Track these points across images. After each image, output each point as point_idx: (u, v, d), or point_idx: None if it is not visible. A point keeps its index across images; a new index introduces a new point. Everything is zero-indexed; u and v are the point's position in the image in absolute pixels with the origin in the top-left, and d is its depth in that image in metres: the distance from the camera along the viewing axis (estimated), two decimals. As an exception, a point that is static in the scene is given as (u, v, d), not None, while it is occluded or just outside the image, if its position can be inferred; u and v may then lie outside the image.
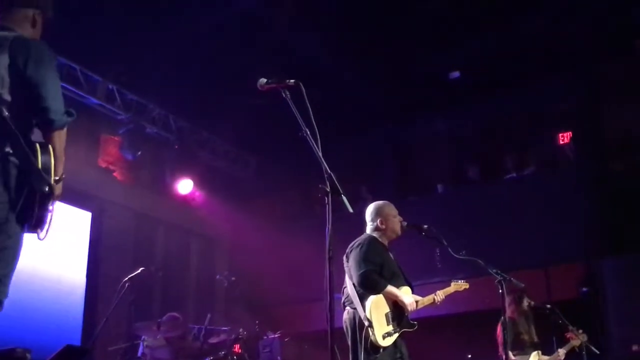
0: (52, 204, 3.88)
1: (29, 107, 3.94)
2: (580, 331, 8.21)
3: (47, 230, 3.87)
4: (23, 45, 4.04)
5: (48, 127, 3.98)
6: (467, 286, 6.44)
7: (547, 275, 11.56)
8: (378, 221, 6.20)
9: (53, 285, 10.67)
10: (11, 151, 3.75)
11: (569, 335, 8.38)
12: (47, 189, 3.79)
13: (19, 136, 3.78)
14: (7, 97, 3.85)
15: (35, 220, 3.80)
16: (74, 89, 10.88)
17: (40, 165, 3.81)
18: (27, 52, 4.01)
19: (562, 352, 8.37)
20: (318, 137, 4.12)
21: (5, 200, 3.72)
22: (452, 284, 6.43)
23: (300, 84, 4.22)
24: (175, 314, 9.57)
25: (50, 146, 3.96)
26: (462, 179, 13.56)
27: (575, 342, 8.32)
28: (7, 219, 3.71)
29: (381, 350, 5.58)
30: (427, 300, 6.10)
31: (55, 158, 3.97)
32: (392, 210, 6.27)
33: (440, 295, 6.17)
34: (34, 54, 4.06)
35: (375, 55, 11.89)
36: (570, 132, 12.65)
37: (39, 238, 3.86)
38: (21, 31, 4.20)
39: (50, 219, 3.89)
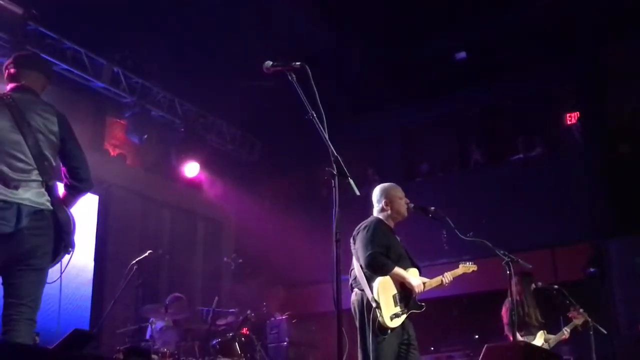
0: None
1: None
2: (582, 310, 8.21)
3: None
4: (65, 120, 4.76)
5: (82, 192, 4.82)
6: (475, 268, 6.44)
7: (554, 256, 11.59)
8: (383, 203, 6.18)
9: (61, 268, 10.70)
10: (55, 211, 4.54)
11: (571, 314, 8.40)
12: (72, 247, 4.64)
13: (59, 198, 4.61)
14: (53, 162, 4.65)
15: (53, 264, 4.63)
16: (79, 73, 10.86)
17: (72, 228, 4.66)
18: (68, 129, 4.77)
19: (566, 330, 8.39)
20: (324, 119, 4.11)
21: (50, 251, 4.54)
22: (461, 265, 6.42)
23: (306, 66, 4.21)
24: (178, 294, 9.61)
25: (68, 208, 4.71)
26: (469, 161, 13.55)
27: (578, 321, 8.33)
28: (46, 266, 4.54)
29: (389, 331, 5.59)
30: (434, 281, 6.11)
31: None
32: (398, 192, 6.25)
33: (448, 276, 6.17)
34: (71, 130, 4.79)
35: (382, 37, 11.85)
36: (578, 113, 12.61)
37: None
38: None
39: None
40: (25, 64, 4.87)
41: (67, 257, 4.71)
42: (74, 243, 4.70)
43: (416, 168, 13.94)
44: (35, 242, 4.43)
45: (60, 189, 4.80)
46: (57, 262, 4.65)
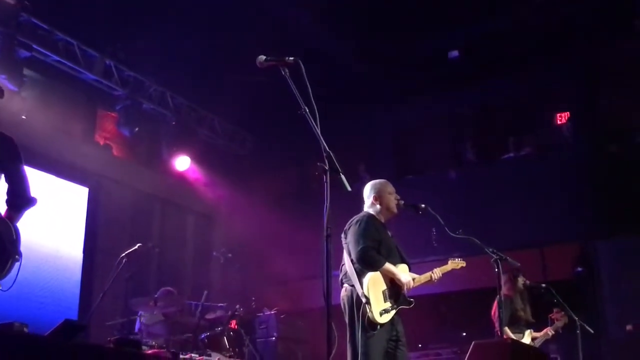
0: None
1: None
2: (563, 313, 8.27)
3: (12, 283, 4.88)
4: (4, 144, 5.07)
5: (22, 209, 5.11)
6: (464, 264, 6.47)
7: (543, 255, 11.63)
8: (372, 198, 6.22)
9: (50, 260, 10.68)
10: None
11: (553, 316, 8.48)
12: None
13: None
14: None
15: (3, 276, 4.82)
16: (71, 64, 10.84)
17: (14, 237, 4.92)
18: (7, 152, 5.06)
19: (550, 331, 8.47)
20: (317, 115, 4.12)
21: None
22: (450, 262, 6.45)
23: (300, 61, 4.21)
24: (169, 288, 9.58)
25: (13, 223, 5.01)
26: (460, 160, 13.58)
27: (560, 323, 8.43)
28: None
29: (378, 327, 5.62)
30: (424, 277, 6.13)
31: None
32: (388, 187, 6.28)
33: (437, 272, 6.20)
34: (11, 153, 5.11)
35: (376, 34, 11.86)
36: (568, 113, 12.67)
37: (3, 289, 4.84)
38: None
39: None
40: None
41: (17, 265, 4.90)
42: (20, 252, 4.94)
43: (407, 166, 13.95)
44: None
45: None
46: (7, 272, 4.84)
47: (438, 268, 6.26)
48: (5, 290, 4.85)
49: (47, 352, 2.75)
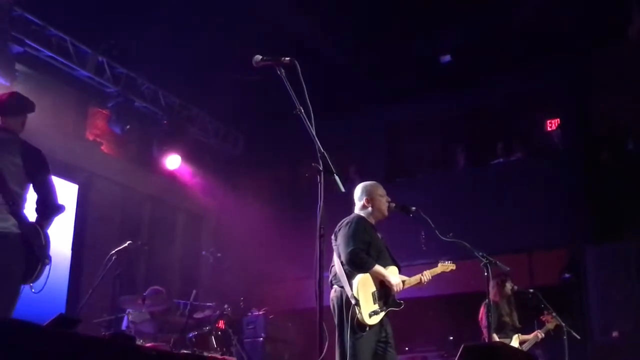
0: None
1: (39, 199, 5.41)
2: (554, 314, 8.31)
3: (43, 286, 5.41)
4: (32, 156, 5.40)
5: (52, 215, 5.47)
6: (454, 267, 6.49)
7: (530, 260, 11.68)
8: (364, 200, 6.23)
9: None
10: (23, 232, 5.12)
11: (544, 318, 8.51)
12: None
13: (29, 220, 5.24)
14: (19, 190, 5.23)
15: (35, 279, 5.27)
16: (63, 60, 10.81)
17: (44, 242, 5.28)
18: (35, 163, 5.40)
19: (540, 334, 8.51)
20: (312, 115, 4.13)
21: (19, 269, 5.09)
22: (439, 264, 6.47)
23: (296, 61, 4.22)
24: (158, 287, 9.57)
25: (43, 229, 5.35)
26: (450, 163, 13.62)
27: (550, 325, 8.46)
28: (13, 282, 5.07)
29: (367, 328, 5.63)
30: (413, 280, 6.15)
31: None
32: (379, 189, 6.30)
33: (427, 275, 6.21)
34: (39, 164, 5.45)
35: (368, 36, 11.88)
36: (558, 119, 12.72)
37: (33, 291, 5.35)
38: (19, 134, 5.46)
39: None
40: (10, 112, 5.48)
41: (47, 268, 5.34)
42: (50, 256, 5.37)
43: (398, 168, 13.97)
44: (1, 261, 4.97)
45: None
46: (37, 276, 5.28)
47: (428, 270, 6.28)
48: (37, 293, 5.32)
49: (46, 341, 2.76)
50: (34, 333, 2.77)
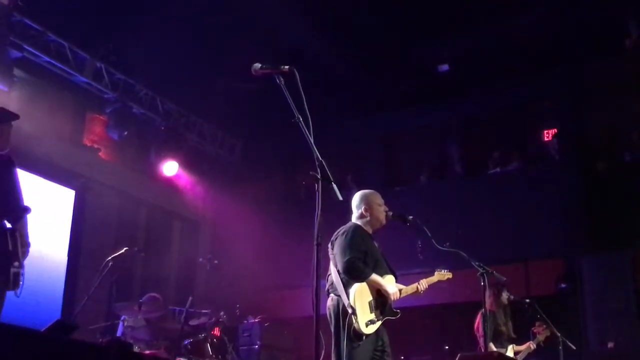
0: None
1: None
2: (545, 326, 8.32)
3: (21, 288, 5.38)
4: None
5: (16, 220, 5.44)
6: (451, 276, 6.48)
7: (527, 270, 11.68)
8: (362, 209, 6.21)
9: (34, 261, 10.54)
10: None
11: (535, 329, 8.52)
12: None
13: None
14: None
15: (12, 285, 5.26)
16: (61, 66, 10.84)
17: (11, 248, 5.23)
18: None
19: (533, 345, 8.52)
20: (310, 124, 4.14)
21: None
22: (436, 273, 6.45)
23: (295, 70, 4.23)
24: (155, 294, 9.55)
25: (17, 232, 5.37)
26: (447, 172, 13.64)
27: (541, 337, 8.47)
28: None
29: (364, 337, 5.61)
30: (410, 289, 6.14)
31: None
32: (377, 199, 6.29)
33: (423, 284, 6.20)
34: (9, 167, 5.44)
35: (366, 45, 11.91)
36: (555, 130, 12.75)
37: (16, 295, 5.37)
38: None
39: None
40: None
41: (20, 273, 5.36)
42: (21, 262, 5.42)
43: (395, 176, 13.98)
44: None
45: None
46: (15, 284, 5.35)
47: (424, 279, 6.27)
48: (18, 296, 5.37)
49: (44, 347, 2.76)
50: (33, 339, 2.78)
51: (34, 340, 2.80)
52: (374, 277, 5.81)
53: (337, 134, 13.32)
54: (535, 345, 8.53)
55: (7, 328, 3.22)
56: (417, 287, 6.16)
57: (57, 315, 10.73)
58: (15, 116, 5.81)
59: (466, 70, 12.42)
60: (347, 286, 5.73)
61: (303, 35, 11.65)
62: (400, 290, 5.99)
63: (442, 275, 6.46)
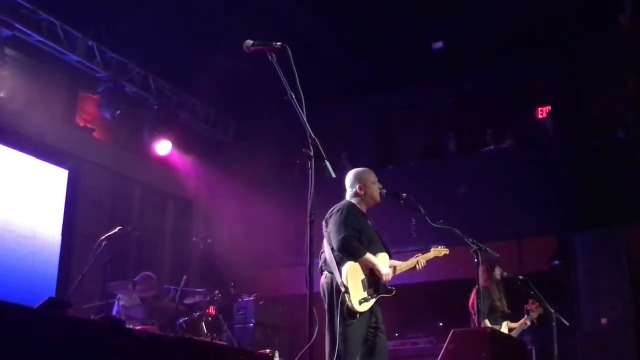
0: None
1: None
2: (538, 303, 8.35)
3: None
4: None
5: None
6: (448, 252, 6.49)
7: (520, 247, 11.71)
8: (357, 187, 6.19)
9: (28, 241, 10.62)
10: None
11: (528, 307, 8.56)
12: None
13: None
14: None
15: None
16: (53, 45, 10.74)
17: None
18: None
19: (527, 321, 8.57)
20: (303, 101, 4.12)
21: None
22: (432, 249, 6.45)
23: (287, 47, 4.20)
24: (149, 273, 9.57)
25: None
26: (441, 150, 13.63)
27: (535, 314, 8.52)
28: None
29: (357, 315, 5.63)
30: (406, 265, 6.15)
31: None
32: (371, 176, 6.28)
33: (422, 261, 6.21)
34: None
35: (359, 23, 11.86)
36: (549, 107, 12.75)
37: None
38: None
39: None
40: None
41: None
42: None
43: (388, 155, 13.98)
44: None
45: None
46: None
47: (422, 256, 6.28)
48: None
49: (36, 323, 2.76)
50: (24, 315, 2.77)
51: (26, 316, 2.79)
52: (368, 256, 5.81)
53: (331, 113, 13.27)
54: (530, 322, 8.58)
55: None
56: (415, 264, 6.16)
57: (51, 294, 10.75)
58: None
59: (460, 49, 12.38)
60: (340, 264, 5.73)
61: (295, 15, 11.57)
62: (395, 268, 6.01)
63: (438, 251, 6.47)
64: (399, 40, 12.42)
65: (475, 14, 11.62)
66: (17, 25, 10.11)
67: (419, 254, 6.30)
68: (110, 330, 3.05)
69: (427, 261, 6.32)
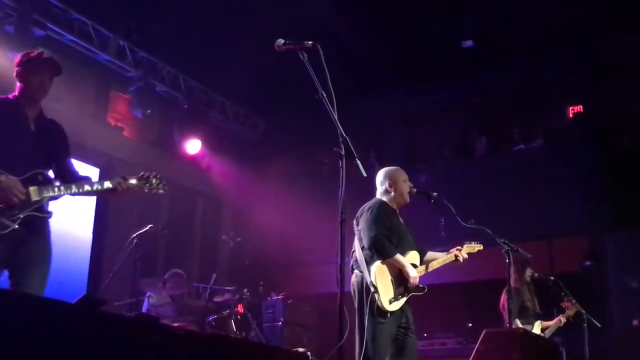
0: None
1: None
2: (574, 301, 8.28)
3: None
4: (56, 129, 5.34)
5: None
6: (482, 247, 6.43)
7: (551, 248, 11.62)
8: (387, 184, 6.18)
9: (59, 240, 10.62)
10: None
11: (564, 304, 8.49)
12: None
13: None
14: None
15: None
16: (84, 44, 10.85)
17: None
18: (59, 139, 5.30)
19: (562, 319, 8.49)
20: (334, 100, 4.12)
21: None
22: (465, 245, 6.41)
23: (318, 45, 4.20)
24: (179, 270, 9.63)
25: None
26: (470, 149, 13.55)
27: (570, 312, 8.44)
28: None
29: (388, 314, 5.62)
30: (443, 260, 6.13)
31: None
32: (402, 175, 6.26)
33: (463, 252, 6.18)
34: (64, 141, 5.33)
35: (389, 21, 11.82)
36: (579, 106, 12.62)
37: None
38: None
39: None
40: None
41: None
42: None
43: (417, 154, 13.94)
44: None
45: None
46: None
47: (459, 250, 6.24)
48: None
49: (72, 319, 2.79)
50: (63, 311, 2.80)
51: (63, 312, 2.82)
52: (398, 257, 5.78)
53: (359, 111, 13.24)
54: (565, 319, 8.50)
55: (36, 300, 3.25)
56: (455, 257, 6.14)
57: (82, 292, 10.84)
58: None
59: (489, 46, 12.31)
60: (369, 263, 5.73)
61: (323, 13, 11.56)
62: (427, 265, 6.01)
63: (472, 247, 6.42)
64: (429, 39, 12.37)
65: (505, 13, 11.53)
66: (50, 25, 10.22)
67: (454, 249, 6.26)
68: (147, 327, 3.06)
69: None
